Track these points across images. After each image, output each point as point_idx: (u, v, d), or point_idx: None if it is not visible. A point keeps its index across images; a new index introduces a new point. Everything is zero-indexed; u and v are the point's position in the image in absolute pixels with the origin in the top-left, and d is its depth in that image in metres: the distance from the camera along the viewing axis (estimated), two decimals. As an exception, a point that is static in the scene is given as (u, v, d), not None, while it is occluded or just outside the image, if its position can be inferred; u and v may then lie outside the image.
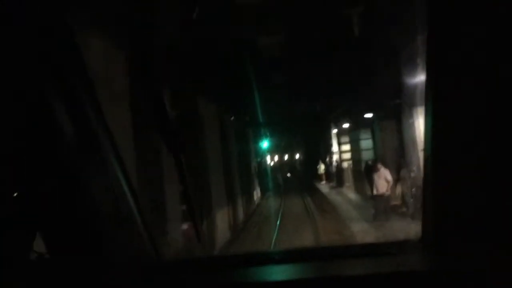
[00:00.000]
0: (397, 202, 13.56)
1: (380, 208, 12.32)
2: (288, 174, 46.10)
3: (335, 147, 28.10)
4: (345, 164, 23.90)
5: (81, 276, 1.35)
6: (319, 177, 28.13)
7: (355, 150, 20.37)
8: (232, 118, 19.11)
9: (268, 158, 46.11)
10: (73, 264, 1.37)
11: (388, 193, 12.36)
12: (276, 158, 61.63)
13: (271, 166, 46.70)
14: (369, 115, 17.39)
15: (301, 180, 35.22)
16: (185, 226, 8.55)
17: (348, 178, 23.09)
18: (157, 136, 1.67)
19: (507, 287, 1.19)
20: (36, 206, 1.32)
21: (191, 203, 1.85)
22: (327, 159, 26.60)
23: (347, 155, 24.55)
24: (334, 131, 27.16)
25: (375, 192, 12.47)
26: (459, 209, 1.34)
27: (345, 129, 23.28)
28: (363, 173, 17.44)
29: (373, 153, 17.70)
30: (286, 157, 64.34)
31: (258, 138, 32.81)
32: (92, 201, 1.40)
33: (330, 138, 29.16)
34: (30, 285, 1.32)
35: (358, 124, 19.44)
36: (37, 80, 1.24)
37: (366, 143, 18.53)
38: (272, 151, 53.88)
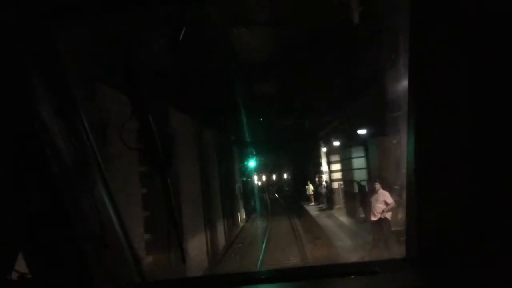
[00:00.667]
0: (399, 227, 11.88)
1: (379, 235, 10.66)
2: (276, 195, 44.26)
3: (324, 167, 26.54)
4: (335, 185, 22.29)
5: None
6: (307, 198, 26.44)
7: (347, 169, 18.81)
8: (213, 135, 17.48)
9: (254, 177, 44.51)
10: (56, 284, 1.40)
11: (389, 217, 10.73)
12: (264, 177, 60.21)
13: (258, 186, 44.95)
14: (362, 132, 15.91)
15: (288, 201, 33.43)
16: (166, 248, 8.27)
17: (339, 200, 21.47)
18: (144, 157, 1.78)
19: None
20: (20, 226, 1.35)
21: (176, 223, 1.83)
22: (316, 179, 24.99)
23: (337, 175, 22.96)
24: (324, 149, 25.66)
25: (372, 217, 10.82)
26: (442, 228, 1.41)
27: (336, 147, 21.79)
28: (358, 194, 15.89)
29: (367, 173, 16.14)
30: (274, 177, 62.87)
31: (243, 157, 31.15)
32: (77, 222, 1.44)
33: (319, 157, 27.61)
34: None
35: (350, 142, 17.97)
36: (24, 96, 1.30)
37: (359, 162, 16.98)
38: (259, 170, 52.43)
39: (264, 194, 42.85)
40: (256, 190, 38.86)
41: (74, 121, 1.47)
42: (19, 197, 1.33)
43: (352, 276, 1.59)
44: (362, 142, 16.57)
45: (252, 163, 38.31)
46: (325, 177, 24.85)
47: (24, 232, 1.35)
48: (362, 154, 16.91)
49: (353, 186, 16.84)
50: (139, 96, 1.54)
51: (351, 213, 17.57)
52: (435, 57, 1.30)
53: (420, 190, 1.43)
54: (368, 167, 16.12)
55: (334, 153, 23.13)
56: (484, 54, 1.24)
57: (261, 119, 21.56)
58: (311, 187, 25.98)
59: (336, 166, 23.23)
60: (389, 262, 1.68)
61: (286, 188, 49.86)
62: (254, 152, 36.01)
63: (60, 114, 1.39)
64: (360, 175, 16.55)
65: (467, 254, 1.32)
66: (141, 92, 1.54)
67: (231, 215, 20.35)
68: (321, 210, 22.32)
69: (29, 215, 1.33)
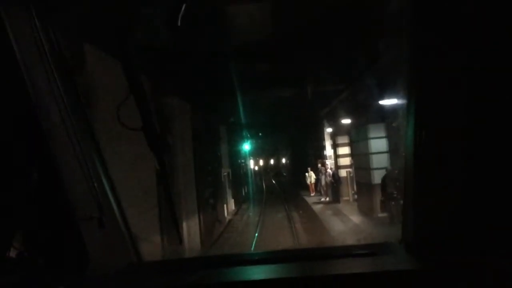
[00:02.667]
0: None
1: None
2: (273, 181, 40.14)
3: (328, 150, 22.43)
4: (342, 172, 18.21)
5: (62, 275, 1.41)
6: (308, 188, 22.29)
7: (359, 154, 14.70)
8: (186, 108, 13.36)
9: (250, 162, 40.58)
10: (53, 264, 1.42)
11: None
12: (261, 162, 56.52)
13: (253, 172, 41.01)
14: (384, 103, 11.72)
15: (286, 190, 29.18)
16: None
17: (347, 191, 17.45)
18: (141, 138, 1.64)
19: (483, 286, 1.26)
20: (18, 205, 1.38)
21: (173, 205, 1.91)
22: (319, 165, 20.96)
23: (345, 161, 18.90)
24: (328, 130, 21.48)
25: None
26: (437, 213, 1.46)
27: (344, 126, 17.63)
28: (377, 187, 11.86)
29: (390, 159, 12.07)
30: (272, 161, 59.05)
31: (234, 139, 27.03)
32: (74, 202, 1.47)
33: (321, 139, 23.50)
34: (8, 284, 1.34)
35: (365, 118, 13.81)
36: (20, 82, 1.31)
37: (378, 144, 12.85)
38: (255, 154, 48.62)
39: (259, 181, 38.86)
40: (250, 177, 34.93)
41: (73, 102, 1.50)
42: (17, 177, 1.35)
43: (349, 258, 1.64)
44: (384, 117, 12.44)
45: (246, 146, 34.44)
46: (329, 163, 20.76)
47: (23, 211, 1.37)
48: (382, 133, 12.79)
49: (370, 175, 12.78)
50: (137, 75, 1.54)
51: (365, 210, 13.54)
52: (437, 47, 1.35)
53: (418, 176, 1.49)
54: (392, 151, 12.02)
55: (342, 134, 19.01)
56: (486, 46, 1.28)
57: (255, 95, 17.47)
58: (312, 175, 21.75)
59: (344, 150, 19.13)
60: (385, 245, 1.73)
61: (284, 174, 45.88)
62: (249, 134, 31.97)
63: (59, 95, 1.41)
64: (380, 161, 12.46)
65: (461, 240, 1.37)
66: (138, 71, 1.54)
67: (212, 208, 16.38)
68: (325, 204, 18.11)
69: (27, 195, 1.35)
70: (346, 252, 1.78)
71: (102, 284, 1.48)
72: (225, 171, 20.89)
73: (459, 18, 1.30)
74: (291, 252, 2.27)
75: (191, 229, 12.19)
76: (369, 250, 1.66)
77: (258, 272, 1.58)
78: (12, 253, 1.35)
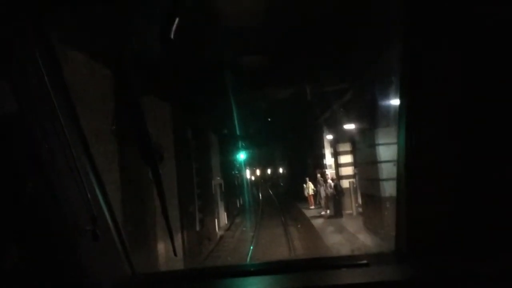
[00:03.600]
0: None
1: None
2: (270, 191, 38.30)
3: (328, 159, 20.75)
4: (345, 183, 16.50)
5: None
6: (306, 200, 20.50)
7: (366, 162, 12.99)
8: (167, 111, 11.69)
9: (245, 172, 38.84)
10: (47, 277, 1.41)
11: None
12: (257, 172, 54.81)
13: (248, 183, 39.23)
14: (395, 102, 10.03)
15: (283, 202, 27.35)
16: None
17: (350, 204, 15.75)
18: (134, 150, 1.65)
19: None
20: (11, 218, 1.36)
21: (168, 217, 1.80)
22: (318, 175, 19.27)
23: (348, 170, 17.25)
24: (328, 137, 19.81)
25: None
26: (431, 222, 1.47)
27: (346, 132, 15.97)
28: (387, 201, 10.16)
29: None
30: (268, 171, 57.35)
31: (227, 148, 25.33)
32: (68, 215, 1.46)
33: (321, 147, 21.84)
34: None
35: (372, 122, 12.12)
36: (13, 90, 1.30)
37: (388, 151, 11.14)
38: (251, 164, 46.90)
39: (256, 191, 37.07)
40: (246, 188, 33.12)
41: (66, 114, 1.47)
42: (10, 191, 1.33)
43: (343, 269, 1.65)
44: (394, 120, 10.74)
45: (242, 156, 32.71)
46: (329, 173, 19.04)
47: (16, 225, 1.36)
48: (393, 139, 11.08)
49: (379, 187, 11.08)
50: (131, 88, 1.56)
51: (373, 226, 11.80)
52: (428, 54, 1.35)
53: (410, 184, 1.49)
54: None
55: (344, 141, 17.36)
56: (479, 48, 1.27)
57: (249, 98, 15.88)
58: (310, 186, 19.97)
59: (346, 159, 17.51)
60: (379, 256, 1.76)
61: (282, 184, 44.12)
62: (243, 143, 30.25)
63: (52, 106, 1.37)
64: (389, 170, 10.75)
65: (454, 248, 1.38)
66: (132, 83, 1.55)
67: (201, 223, 14.64)
68: (326, 218, 16.32)
69: (20, 208, 1.34)
70: (341, 262, 1.80)
71: None
72: (216, 182, 19.17)
73: (452, 23, 1.31)
74: (286, 262, 2.41)
75: (170, 252, 10.44)
76: (363, 260, 1.64)
77: (252, 284, 1.58)
78: (6, 268, 1.34)
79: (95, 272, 1.51)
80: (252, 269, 1.79)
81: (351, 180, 16.21)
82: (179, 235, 11.55)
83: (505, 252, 1.32)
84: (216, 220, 17.71)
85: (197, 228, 14.22)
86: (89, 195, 1.47)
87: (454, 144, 1.38)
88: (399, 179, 1.57)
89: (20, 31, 1.32)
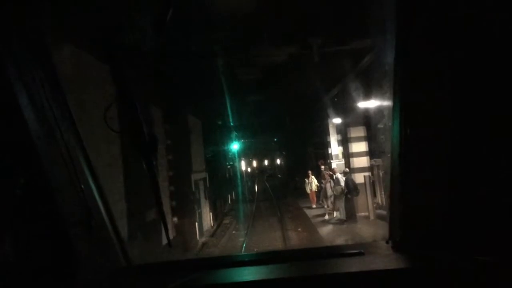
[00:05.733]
0: None
1: None
2: (266, 184, 34.70)
3: (334, 148, 17.25)
4: (358, 178, 12.96)
5: (51, 280, 1.41)
6: (308, 197, 16.95)
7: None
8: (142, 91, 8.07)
9: (239, 165, 35.37)
10: (43, 268, 1.41)
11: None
12: (254, 164, 51.45)
13: (244, 176, 35.72)
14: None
15: (281, 198, 23.73)
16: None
17: (366, 205, 12.28)
18: (128, 142, 1.68)
19: (467, 285, 1.30)
20: (6, 210, 1.37)
21: (162, 208, 1.82)
22: (322, 168, 15.80)
23: (362, 161, 13.71)
24: (335, 120, 16.26)
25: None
26: (424, 212, 1.50)
27: (360, 112, 12.46)
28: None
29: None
30: (266, 162, 53.91)
31: (216, 138, 21.77)
32: (63, 207, 1.46)
33: (325, 134, 18.32)
34: None
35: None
36: (7, 85, 1.31)
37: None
38: (247, 155, 43.40)
39: (251, 186, 33.53)
40: (239, 182, 29.61)
41: (60, 106, 1.48)
42: (4, 183, 1.32)
43: (338, 258, 1.66)
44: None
45: (235, 146, 29.16)
46: (336, 164, 15.49)
47: (10, 217, 1.35)
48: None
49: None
50: (125, 79, 1.53)
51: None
52: (422, 46, 1.38)
53: (404, 176, 1.52)
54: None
55: (356, 124, 13.83)
56: (472, 47, 1.30)
57: (236, 65, 12.33)
58: (314, 181, 16.37)
59: (359, 146, 13.94)
60: (373, 245, 1.74)
61: (279, 176, 40.66)
62: (236, 132, 26.67)
63: (45, 99, 1.39)
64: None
65: (447, 238, 1.41)
66: (126, 75, 1.52)
67: (175, 230, 11.25)
68: (335, 224, 12.64)
69: (14, 200, 1.33)
70: (335, 252, 1.83)
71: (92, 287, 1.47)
72: (198, 177, 15.67)
73: (444, 21, 1.33)
74: (280, 253, 2.33)
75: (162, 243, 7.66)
76: (358, 249, 1.66)
77: (248, 274, 1.57)
78: (0, 259, 1.33)
79: (90, 264, 1.52)
80: (246, 259, 1.79)
81: (366, 173, 12.72)
82: (139, 245, 8.30)
83: (496, 244, 1.33)
84: (197, 224, 14.23)
85: (170, 237, 10.80)
86: (83, 187, 1.52)
87: (448, 137, 1.39)
88: (393, 171, 1.60)
89: (14, 27, 1.33)
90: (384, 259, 1.58)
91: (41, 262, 1.39)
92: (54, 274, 1.39)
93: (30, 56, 1.35)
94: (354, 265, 1.54)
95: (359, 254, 1.62)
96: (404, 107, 1.44)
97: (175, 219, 12.10)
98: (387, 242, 1.67)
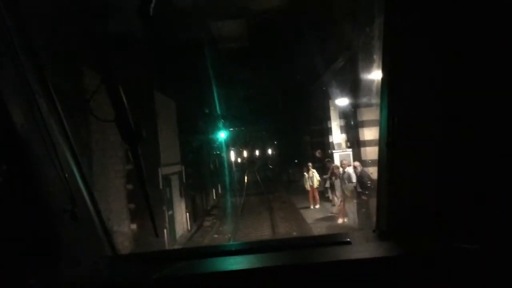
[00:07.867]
0: None
1: None
2: (257, 176, 31.70)
3: (336, 136, 14.29)
4: (369, 171, 10.00)
5: (35, 268, 1.40)
6: (308, 196, 13.91)
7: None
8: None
9: (229, 154, 32.40)
10: (27, 256, 1.41)
11: None
12: (244, 154, 48.48)
13: (232, 167, 32.71)
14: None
15: (273, 192, 20.80)
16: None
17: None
18: (113, 130, 1.59)
19: (453, 273, 1.30)
20: None
21: (148, 198, 1.77)
22: (325, 160, 12.83)
23: (375, 151, 10.75)
24: (338, 102, 13.21)
25: None
26: (410, 202, 1.53)
27: (372, 87, 9.46)
28: None
29: None
30: (257, 153, 50.88)
31: (198, 120, 18.65)
32: (47, 196, 1.47)
33: (325, 119, 15.33)
34: None
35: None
36: None
37: None
38: (236, 144, 40.45)
39: (240, 177, 30.53)
40: (226, 175, 26.57)
41: (44, 95, 1.49)
42: None
43: (325, 247, 1.67)
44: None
45: (222, 135, 26.04)
46: (338, 155, 12.59)
47: None
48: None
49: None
50: (109, 66, 1.51)
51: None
52: (409, 33, 1.38)
53: (391, 165, 1.53)
54: None
55: (367, 105, 10.84)
56: (460, 41, 1.31)
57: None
58: (315, 175, 13.34)
59: (372, 133, 10.95)
60: (360, 234, 1.77)
61: (271, 166, 37.67)
62: (221, 119, 23.54)
63: (29, 88, 1.39)
64: None
65: (433, 227, 1.42)
66: (110, 62, 1.51)
67: (132, 240, 8.37)
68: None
69: (2, 189, 1.32)
70: (322, 241, 1.83)
71: (76, 277, 1.47)
72: (169, 171, 12.61)
73: (433, 15, 1.34)
74: (267, 242, 2.39)
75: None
76: (344, 239, 1.68)
77: (234, 263, 1.56)
78: None
79: (75, 253, 1.53)
80: (234, 249, 1.79)
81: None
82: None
83: (481, 232, 1.35)
84: (166, 230, 11.23)
85: (124, 249, 7.91)
86: (67, 176, 1.47)
87: (435, 125, 1.40)
88: (380, 160, 1.60)
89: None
90: (370, 248, 1.61)
91: (24, 251, 1.39)
92: (38, 263, 1.39)
93: (11, 46, 1.33)
94: (341, 254, 1.56)
95: (346, 243, 1.64)
96: (392, 99, 1.46)
97: (133, 226, 9.21)
98: (373, 231, 1.71)
